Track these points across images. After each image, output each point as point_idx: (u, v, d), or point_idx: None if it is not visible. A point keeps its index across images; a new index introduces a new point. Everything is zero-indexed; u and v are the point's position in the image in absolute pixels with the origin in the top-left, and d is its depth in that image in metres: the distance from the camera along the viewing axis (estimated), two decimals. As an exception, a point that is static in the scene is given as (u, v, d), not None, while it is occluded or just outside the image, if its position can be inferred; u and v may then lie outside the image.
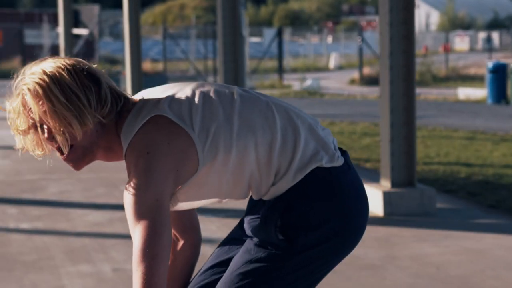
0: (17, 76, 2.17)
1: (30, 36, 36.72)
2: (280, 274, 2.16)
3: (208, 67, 28.77)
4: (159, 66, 31.04)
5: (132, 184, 2.06)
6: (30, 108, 2.12)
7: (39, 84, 2.10)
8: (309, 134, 2.21)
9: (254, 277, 2.15)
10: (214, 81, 18.72)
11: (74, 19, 31.91)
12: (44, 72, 2.11)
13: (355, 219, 2.22)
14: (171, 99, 2.18)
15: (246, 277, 2.16)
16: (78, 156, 2.18)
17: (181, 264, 2.41)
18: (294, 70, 31.86)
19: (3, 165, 9.02)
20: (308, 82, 23.98)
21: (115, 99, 2.15)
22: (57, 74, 2.10)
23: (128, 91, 12.08)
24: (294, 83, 25.53)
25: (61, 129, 2.09)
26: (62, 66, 2.12)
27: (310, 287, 2.23)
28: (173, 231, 2.36)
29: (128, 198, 2.06)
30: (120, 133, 2.16)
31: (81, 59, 2.21)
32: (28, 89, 2.11)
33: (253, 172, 2.16)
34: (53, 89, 2.08)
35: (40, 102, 2.09)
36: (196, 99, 2.17)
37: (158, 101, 2.17)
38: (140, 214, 2.04)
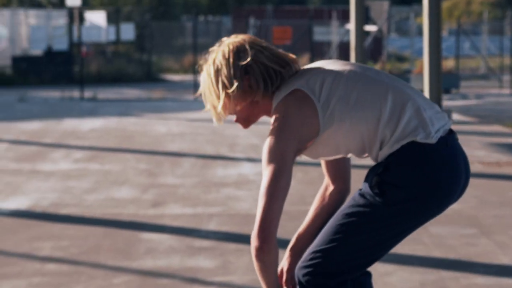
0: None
1: (319, 33, 36.84)
2: (372, 218, 2.68)
3: (504, 65, 26.90)
4: (448, 64, 29.58)
5: (268, 138, 2.65)
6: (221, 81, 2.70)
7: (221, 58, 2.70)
8: (414, 114, 2.68)
9: (352, 217, 2.71)
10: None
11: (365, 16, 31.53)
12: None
13: (440, 190, 2.66)
14: (312, 75, 2.72)
15: (347, 216, 2.72)
16: (245, 119, 2.79)
17: (327, 206, 2.92)
18: None
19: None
20: None
21: (274, 82, 2.72)
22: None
23: (426, 92, 11.03)
24: None
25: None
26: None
27: (396, 238, 2.73)
28: (327, 177, 2.93)
29: (264, 148, 2.66)
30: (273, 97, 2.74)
31: (257, 39, 2.76)
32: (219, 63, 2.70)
33: (363, 138, 2.70)
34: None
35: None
36: (329, 77, 2.70)
37: (303, 76, 2.72)
38: (268, 161, 2.63)
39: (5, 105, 16.06)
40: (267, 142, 2.62)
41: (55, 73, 25.45)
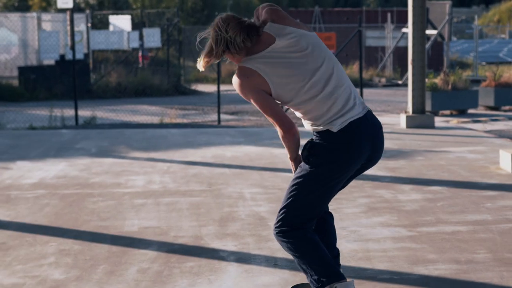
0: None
1: (371, 38, 33.16)
2: (309, 179, 4.02)
3: None
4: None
5: (238, 87, 4.04)
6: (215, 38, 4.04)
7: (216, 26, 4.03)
8: (339, 99, 4.01)
9: (297, 180, 4.06)
10: None
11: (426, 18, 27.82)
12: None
13: (346, 156, 3.99)
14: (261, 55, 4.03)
15: (294, 181, 4.08)
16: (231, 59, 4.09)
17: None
18: None
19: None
20: None
21: (247, 44, 4.01)
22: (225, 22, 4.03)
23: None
24: None
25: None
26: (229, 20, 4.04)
27: (332, 188, 4.07)
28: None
29: (235, 85, 4.04)
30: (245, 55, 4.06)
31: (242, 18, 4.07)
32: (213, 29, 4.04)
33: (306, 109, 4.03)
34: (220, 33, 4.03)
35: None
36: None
37: (258, 52, 4.03)
38: (245, 94, 4.04)
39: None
40: (235, 84, 4.02)
41: (68, 86, 22.22)
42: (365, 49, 31.97)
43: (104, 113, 18.29)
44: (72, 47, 14.85)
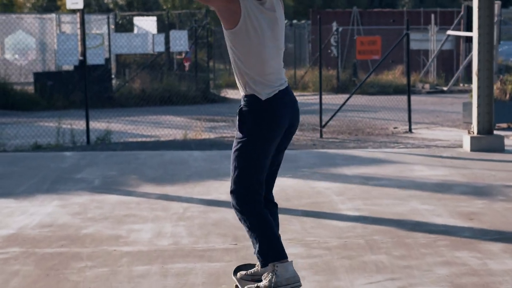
0: None
1: (412, 40, 31.08)
2: (244, 146, 4.49)
3: None
4: None
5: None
6: None
7: None
8: (277, 72, 4.55)
9: (235, 150, 4.54)
10: None
11: (467, 19, 25.74)
12: None
13: (270, 123, 4.48)
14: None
15: (233, 151, 4.57)
16: None
17: None
18: None
19: None
20: None
21: None
22: None
23: None
24: None
25: None
26: None
27: (266, 152, 4.52)
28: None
29: None
30: None
31: None
32: None
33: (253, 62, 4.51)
34: None
35: None
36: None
37: None
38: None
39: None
40: None
41: (88, 93, 20.42)
42: (407, 53, 29.87)
43: (123, 125, 16.52)
44: (83, 54, 13.04)
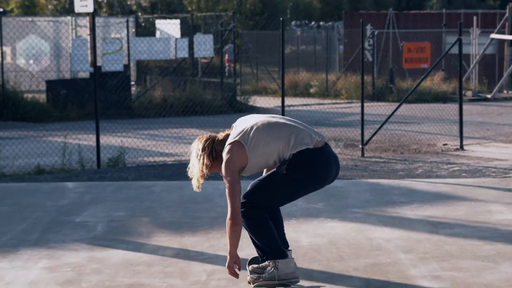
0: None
1: (450, 44, 29.21)
2: (277, 181, 5.07)
3: None
4: None
5: (223, 165, 5.04)
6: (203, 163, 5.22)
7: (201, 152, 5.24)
8: (305, 135, 5.11)
9: (267, 179, 5.13)
10: None
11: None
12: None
13: (316, 177, 5.10)
14: (245, 130, 5.06)
15: (264, 178, 5.15)
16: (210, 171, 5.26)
17: None
18: None
19: None
20: None
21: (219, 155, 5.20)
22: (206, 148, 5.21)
23: None
24: None
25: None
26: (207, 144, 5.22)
27: (290, 196, 5.17)
28: None
29: (223, 168, 5.04)
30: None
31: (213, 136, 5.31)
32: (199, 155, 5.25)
33: (279, 155, 5.11)
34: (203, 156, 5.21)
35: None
36: (253, 130, 5.07)
37: (238, 132, 5.07)
38: (227, 174, 5.02)
39: None
40: (223, 168, 5.03)
41: (105, 103, 18.85)
42: (445, 57, 28.04)
43: (141, 140, 14.88)
44: (93, 63, 11.39)
